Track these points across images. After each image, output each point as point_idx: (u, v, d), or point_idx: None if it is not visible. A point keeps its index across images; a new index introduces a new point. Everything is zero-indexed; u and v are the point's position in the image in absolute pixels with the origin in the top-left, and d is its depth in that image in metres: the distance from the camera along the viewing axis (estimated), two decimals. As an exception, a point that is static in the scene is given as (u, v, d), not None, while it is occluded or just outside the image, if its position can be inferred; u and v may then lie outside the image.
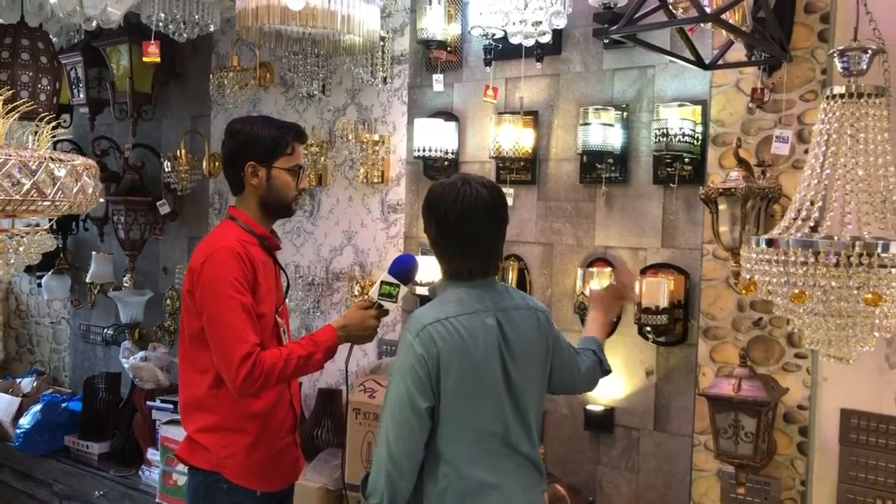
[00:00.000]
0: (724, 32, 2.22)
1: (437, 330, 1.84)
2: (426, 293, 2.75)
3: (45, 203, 1.63)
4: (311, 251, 3.71)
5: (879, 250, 1.53)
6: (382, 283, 2.21)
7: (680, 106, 2.54)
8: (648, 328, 2.61)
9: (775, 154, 2.37)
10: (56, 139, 4.40)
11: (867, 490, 2.27)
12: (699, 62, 2.33)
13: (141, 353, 3.91)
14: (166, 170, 4.05)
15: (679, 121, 2.52)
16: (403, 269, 2.22)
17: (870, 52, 1.73)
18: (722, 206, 2.32)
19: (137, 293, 4.30)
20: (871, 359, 2.20)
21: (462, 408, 1.85)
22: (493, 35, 2.81)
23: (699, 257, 2.57)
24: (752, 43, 2.26)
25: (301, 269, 3.68)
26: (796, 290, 1.60)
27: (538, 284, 2.96)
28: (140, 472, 3.76)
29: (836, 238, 1.58)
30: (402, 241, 3.37)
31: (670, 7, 2.07)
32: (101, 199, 4.08)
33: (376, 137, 3.38)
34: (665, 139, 2.53)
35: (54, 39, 3.97)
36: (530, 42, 2.67)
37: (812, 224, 1.65)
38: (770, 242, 1.65)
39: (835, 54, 1.77)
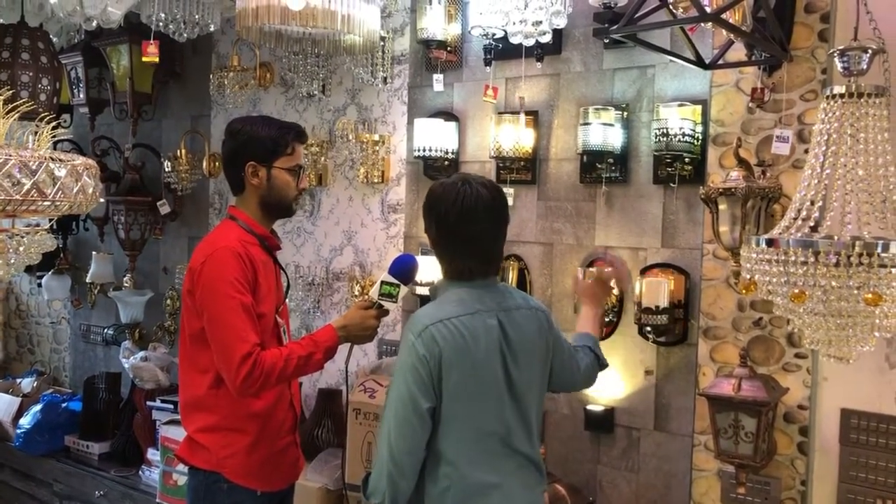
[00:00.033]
0: (724, 32, 2.22)
1: (438, 330, 1.84)
2: (426, 293, 2.75)
3: (46, 203, 1.63)
4: (311, 251, 3.71)
5: (879, 250, 1.53)
6: (382, 283, 2.21)
7: (680, 106, 2.54)
8: (648, 328, 2.61)
9: (775, 154, 2.37)
10: (56, 139, 4.41)
11: (867, 490, 2.27)
12: (699, 62, 2.33)
13: (141, 353, 3.91)
14: (166, 170, 4.05)
15: (679, 120, 2.52)
16: (403, 269, 2.22)
17: (870, 51, 1.73)
18: (722, 206, 2.32)
19: (137, 293, 4.30)
20: (872, 359, 2.20)
21: (463, 408, 1.85)
22: (494, 35, 2.81)
23: (699, 257, 2.57)
24: (753, 42, 2.26)
25: (301, 269, 3.68)
26: (796, 290, 1.60)
27: (538, 284, 2.96)
28: (140, 472, 3.76)
29: (836, 238, 1.58)
30: (402, 241, 3.37)
31: (670, 7, 2.07)
32: (102, 199, 4.08)
33: (376, 137, 3.38)
34: (665, 139, 2.53)
35: (54, 39, 3.97)
36: (530, 42, 2.67)
37: (812, 224, 1.65)
38: (770, 242, 1.65)
39: (835, 54, 1.77)
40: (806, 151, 2.16)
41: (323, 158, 3.59)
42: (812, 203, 1.66)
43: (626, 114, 2.75)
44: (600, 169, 2.78)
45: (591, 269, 2.75)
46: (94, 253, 4.48)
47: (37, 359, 5.14)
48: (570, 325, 2.80)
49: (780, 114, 2.39)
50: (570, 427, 2.87)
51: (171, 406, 3.57)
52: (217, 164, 4.01)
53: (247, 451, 2.21)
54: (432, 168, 3.22)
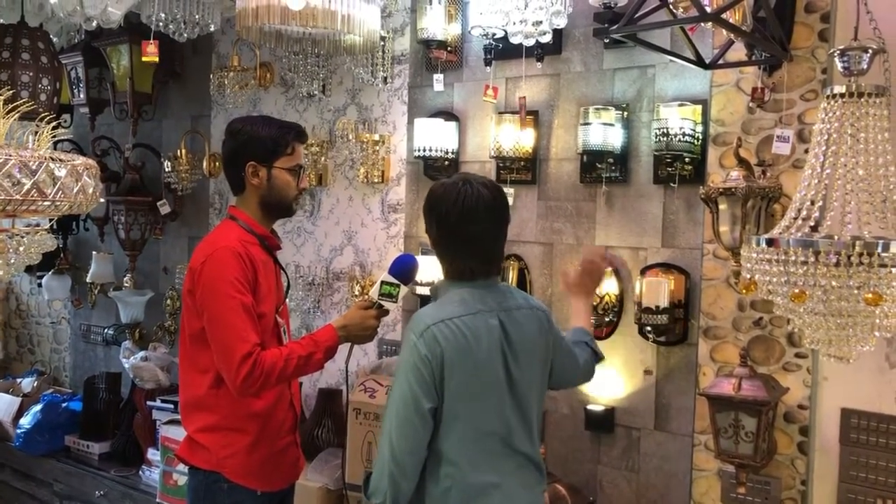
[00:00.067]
0: (724, 32, 2.22)
1: (440, 330, 1.84)
2: (427, 293, 2.75)
3: (46, 203, 1.63)
4: (311, 251, 3.71)
5: (880, 250, 1.53)
6: (383, 283, 2.20)
7: (680, 105, 2.54)
8: (649, 328, 2.61)
9: (776, 154, 2.37)
10: (56, 139, 4.41)
11: (868, 490, 2.27)
12: (699, 62, 2.33)
13: (141, 353, 3.91)
14: (167, 170, 4.06)
15: (679, 120, 2.52)
16: (404, 269, 2.22)
17: (870, 51, 1.73)
18: (722, 206, 2.32)
19: (138, 293, 4.30)
20: (872, 358, 2.20)
21: (465, 408, 1.85)
22: (494, 35, 2.81)
23: (699, 257, 2.57)
24: (753, 42, 2.26)
25: (301, 268, 3.68)
26: (797, 290, 1.60)
27: (538, 284, 2.96)
28: (140, 472, 3.76)
29: (836, 238, 1.58)
30: (403, 240, 3.37)
31: (671, 6, 2.07)
32: (102, 199, 4.08)
33: (376, 137, 3.38)
34: (665, 139, 2.53)
35: (55, 39, 3.97)
36: (531, 42, 2.67)
37: (812, 224, 1.65)
38: (770, 242, 1.65)
39: (835, 54, 1.77)
40: (806, 151, 2.16)
41: (323, 158, 3.59)
42: (812, 203, 1.67)
43: (626, 114, 2.75)
44: (600, 169, 2.78)
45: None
46: (94, 253, 4.48)
47: (37, 359, 5.14)
48: (570, 324, 2.80)
49: (780, 113, 2.39)
50: (570, 427, 2.87)
51: (172, 406, 3.57)
52: (217, 164, 4.01)
53: (247, 451, 2.21)
54: (432, 168, 3.22)
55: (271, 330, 2.25)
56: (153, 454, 3.67)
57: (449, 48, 3.11)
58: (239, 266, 2.14)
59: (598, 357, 2.26)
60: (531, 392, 1.96)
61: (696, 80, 2.60)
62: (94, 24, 3.29)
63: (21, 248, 1.83)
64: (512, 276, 2.96)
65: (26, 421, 4.14)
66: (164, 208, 4.14)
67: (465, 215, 1.88)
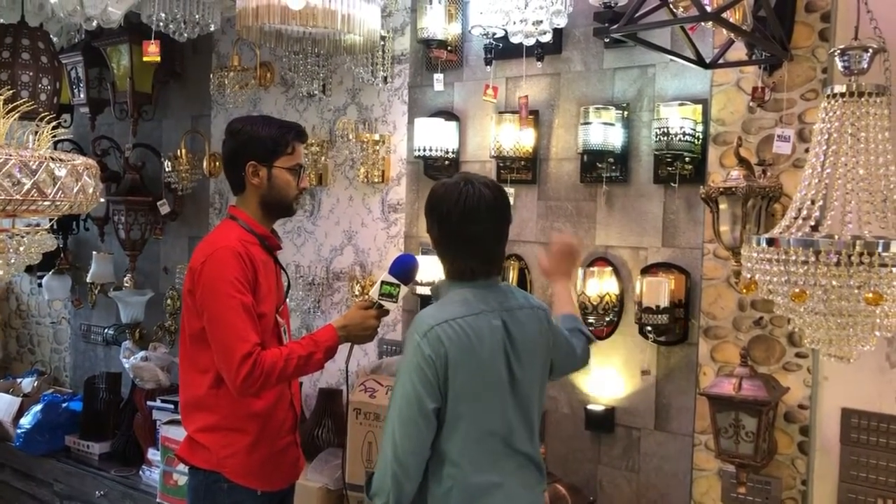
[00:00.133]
0: (724, 31, 2.22)
1: (444, 331, 1.83)
2: (427, 293, 2.75)
3: (46, 203, 1.63)
4: (311, 251, 3.71)
5: (880, 249, 1.53)
6: (383, 283, 2.20)
7: (680, 105, 2.54)
8: (649, 328, 2.60)
9: (776, 153, 2.37)
10: (56, 139, 4.42)
11: (868, 489, 2.27)
12: (700, 61, 2.32)
13: (141, 353, 3.91)
14: (167, 170, 4.06)
15: (680, 120, 2.52)
16: (404, 269, 2.21)
17: (870, 50, 1.73)
18: (723, 206, 2.32)
19: (138, 293, 4.30)
20: (872, 358, 2.20)
21: (468, 408, 1.85)
22: (494, 34, 2.81)
23: (700, 256, 2.57)
24: (753, 42, 2.26)
25: (301, 268, 3.68)
26: (797, 290, 1.60)
27: (539, 284, 2.96)
28: (141, 472, 3.76)
29: (836, 237, 1.58)
30: (403, 240, 3.37)
31: (671, 6, 2.07)
32: (102, 199, 4.07)
33: (377, 137, 3.38)
34: (666, 138, 2.53)
35: (55, 39, 3.96)
36: (531, 41, 2.66)
37: (813, 223, 1.65)
38: (771, 242, 1.65)
39: (836, 53, 1.77)
40: (806, 151, 2.16)
41: (323, 158, 3.59)
42: (813, 202, 1.67)
43: (626, 113, 2.75)
44: (601, 168, 2.78)
45: (591, 268, 2.76)
46: (94, 253, 4.48)
47: (37, 359, 5.14)
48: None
49: (780, 113, 2.39)
50: (570, 427, 2.87)
51: (172, 406, 3.57)
52: (217, 163, 4.01)
53: (247, 451, 2.21)
54: (433, 168, 3.21)
55: (271, 330, 2.25)
56: (153, 454, 3.67)
57: (449, 48, 3.10)
58: (239, 266, 2.14)
59: (590, 340, 2.26)
60: (532, 392, 1.96)
61: (697, 80, 2.60)
62: (94, 24, 3.29)
63: (21, 248, 1.83)
64: (512, 275, 2.96)
65: (26, 421, 4.14)
66: (164, 208, 4.14)
67: (466, 215, 1.88)
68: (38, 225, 1.95)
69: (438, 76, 3.15)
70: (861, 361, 1.86)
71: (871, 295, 1.54)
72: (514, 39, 2.67)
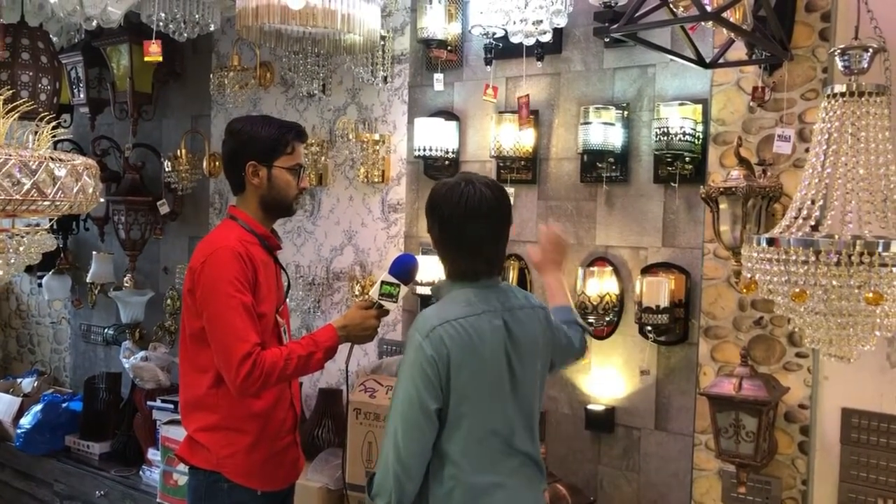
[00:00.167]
0: (724, 31, 2.22)
1: (446, 331, 1.83)
2: (427, 293, 2.75)
3: (46, 203, 1.63)
4: (311, 251, 3.71)
5: (880, 249, 1.53)
6: (383, 283, 2.20)
7: (681, 105, 2.54)
8: (649, 328, 2.60)
9: (776, 153, 2.37)
10: (56, 139, 4.42)
11: (868, 489, 2.26)
12: (700, 61, 2.32)
13: (141, 353, 3.91)
14: (167, 169, 4.06)
15: (680, 120, 2.52)
16: (404, 269, 2.21)
17: (871, 50, 1.73)
18: (723, 205, 2.31)
19: (138, 293, 4.30)
20: (873, 358, 2.20)
21: (470, 409, 1.85)
22: (494, 34, 2.81)
23: (700, 256, 2.57)
24: (753, 41, 2.26)
25: (301, 268, 3.67)
26: (797, 289, 1.60)
27: (539, 284, 2.95)
28: (141, 472, 3.76)
29: (837, 237, 1.57)
30: (403, 240, 3.37)
31: (671, 6, 2.06)
32: (102, 199, 4.08)
33: (377, 137, 3.38)
34: (666, 138, 2.53)
35: (54, 39, 3.96)
36: (531, 41, 2.66)
37: (813, 223, 1.64)
38: (771, 241, 1.65)
39: (836, 53, 1.77)
40: (807, 150, 2.15)
41: (323, 158, 3.59)
42: (813, 202, 1.66)
43: (626, 113, 2.75)
44: (601, 168, 2.78)
45: (591, 268, 2.76)
46: (94, 253, 4.48)
47: (37, 359, 5.14)
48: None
49: (780, 113, 2.39)
50: (570, 427, 2.87)
51: (172, 406, 3.57)
52: (217, 163, 4.01)
53: (247, 451, 2.21)
54: (433, 168, 3.21)
55: (271, 330, 2.25)
56: (153, 454, 3.67)
57: (449, 47, 3.10)
58: (239, 266, 2.14)
59: (585, 330, 2.26)
60: (532, 391, 1.96)
61: (697, 80, 2.60)
62: (94, 23, 3.29)
63: (21, 248, 1.82)
64: (512, 275, 2.96)
65: (27, 421, 4.14)
66: (164, 208, 4.14)
67: (467, 216, 1.88)
68: (38, 225, 1.95)
69: (438, 76, 3.15)
70: (861, 361, 1.86)
71: (871, 295, 1.54)
72: (514, 39, 2.67)
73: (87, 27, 3.44)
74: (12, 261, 1.83)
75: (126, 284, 4.27)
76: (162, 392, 3.80)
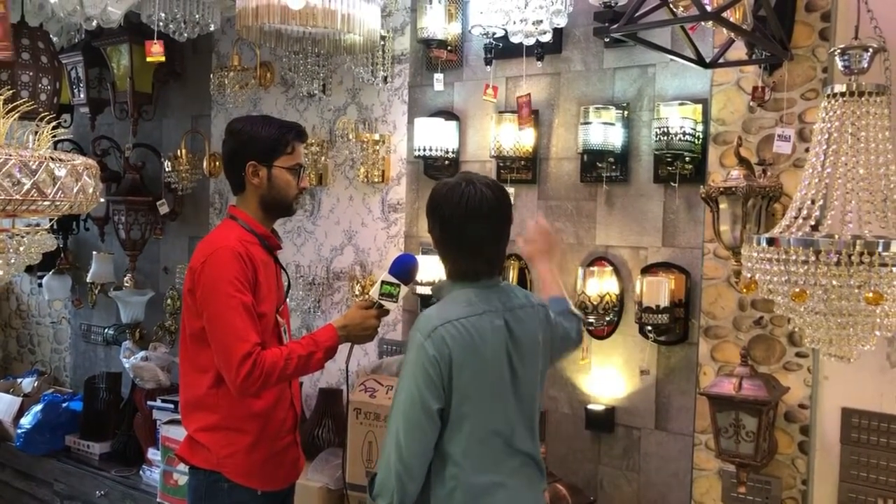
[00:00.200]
0: (724, 31, 2.22)
1: (448, 331, 1.83)
2: (428, 293, 2.75)
3: (46, 203, 1.63)
4: (311, 251, 3.71)
5: (880, 249, 1.53)
6: (383, 282, 2.20)
7: (681, 104, 2.54)
8: (649, 327, 2.60)
9: (776, 153, 2.37)
10: (56, 139, 4.42)
11: (868, 489, 2.26)
12: (700, 61, 2.32)
13: (142, 353, 3.91)
14: (167, 169, 4.06)
15: (680, 119, 2.52)
16: (404, 269, 2.21)
17: (871, 50, 1.73)
18: (723, 205, 2.31)
19: (138, 293, 4.30)
20: (873, 358, 2.20)
21: (471, 409, 1.85)
22: (494, 34, 2.81)
23: (700, 256, 2.57)
24: (753, 41, 2.26)
25: (302, 268, 3.67)
26: (797, 289, 1.60)
27: (539, 283, 2.95)
28: (141, 472, 3.76)
29: (837, 237, 1.57)
30: (403, 240, 3.37)
31: (671, 5, 2.06)
32: (102, 199, 4.08)
33: (377, 137, 3.38)
34: (666, 138, 2.53)
35: (55, 39, 3.97)
36: (531, 41, 2.66)
37: (813, 223, 1.64)
38: (771, 241, 1.65)
39: (836, 53, 1.77)
40: (807, 150, 2.15)
41: (323, 158, 3.59)
42: (813, 202, 1.66)
43: (626, 113, 2.75)
44: (601, 168, 2.78)
45: (591, 268, 2.76)
46: (94, 253, 4.48)
47: (37, 359, 5.14)
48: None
49: (780, 113, 2.39)
50: (570, 426, 2.87)
51: (172, 406, 3.57)
52: (217, 163, 4.01)
53: (247, 451, 2.21)
54: (433, 167, 3.21)
55: (272, 330, 2.25)
56: (153, 454, 3.67)
57: (449, 47, 3.10)
58: (239, 266, 2.14)
59: (580, 319, 2.26)
60: (533, 390, 1.97)
61: (697, 80, 2.60)
62: (94, 23, 3.29)
63: (21, 248, 1.82)
64: (512, 275, 2.96)
65: (27, 421, 4.14)
66: (164, 208, 4.15)
67: (468, 216, 1.88)
68: (38, 225, 1.95)
69: (438, 76, 3.15)
70: (861, 361, 1.86)
71: (871, 294, 1.54)
72: (514, 39, 2.67)
73: (88, 27, 3.45)
74: (12, 261, 1.83)
75: (126, 284, 4.27)
76: (162, 392, 3.80)
